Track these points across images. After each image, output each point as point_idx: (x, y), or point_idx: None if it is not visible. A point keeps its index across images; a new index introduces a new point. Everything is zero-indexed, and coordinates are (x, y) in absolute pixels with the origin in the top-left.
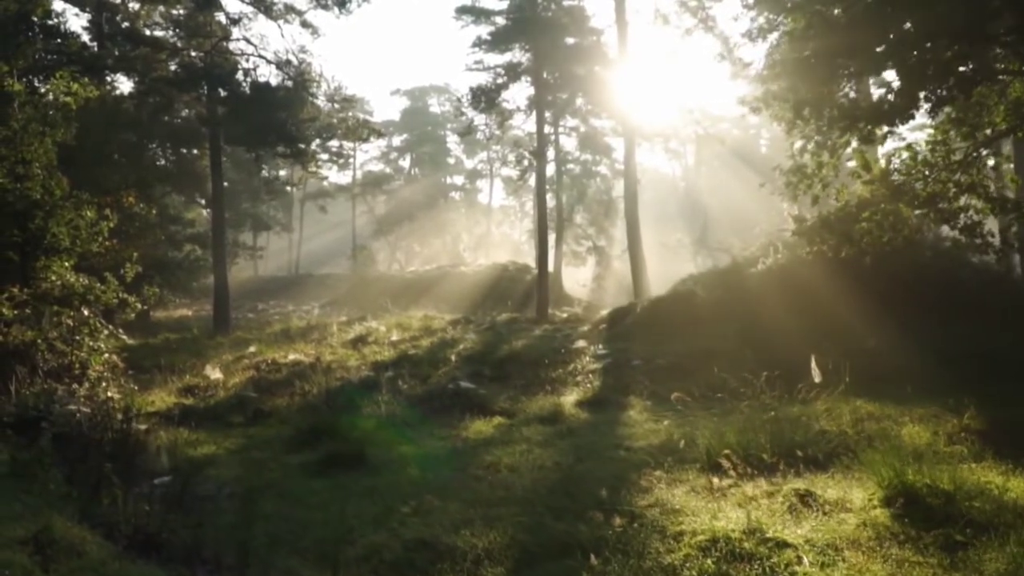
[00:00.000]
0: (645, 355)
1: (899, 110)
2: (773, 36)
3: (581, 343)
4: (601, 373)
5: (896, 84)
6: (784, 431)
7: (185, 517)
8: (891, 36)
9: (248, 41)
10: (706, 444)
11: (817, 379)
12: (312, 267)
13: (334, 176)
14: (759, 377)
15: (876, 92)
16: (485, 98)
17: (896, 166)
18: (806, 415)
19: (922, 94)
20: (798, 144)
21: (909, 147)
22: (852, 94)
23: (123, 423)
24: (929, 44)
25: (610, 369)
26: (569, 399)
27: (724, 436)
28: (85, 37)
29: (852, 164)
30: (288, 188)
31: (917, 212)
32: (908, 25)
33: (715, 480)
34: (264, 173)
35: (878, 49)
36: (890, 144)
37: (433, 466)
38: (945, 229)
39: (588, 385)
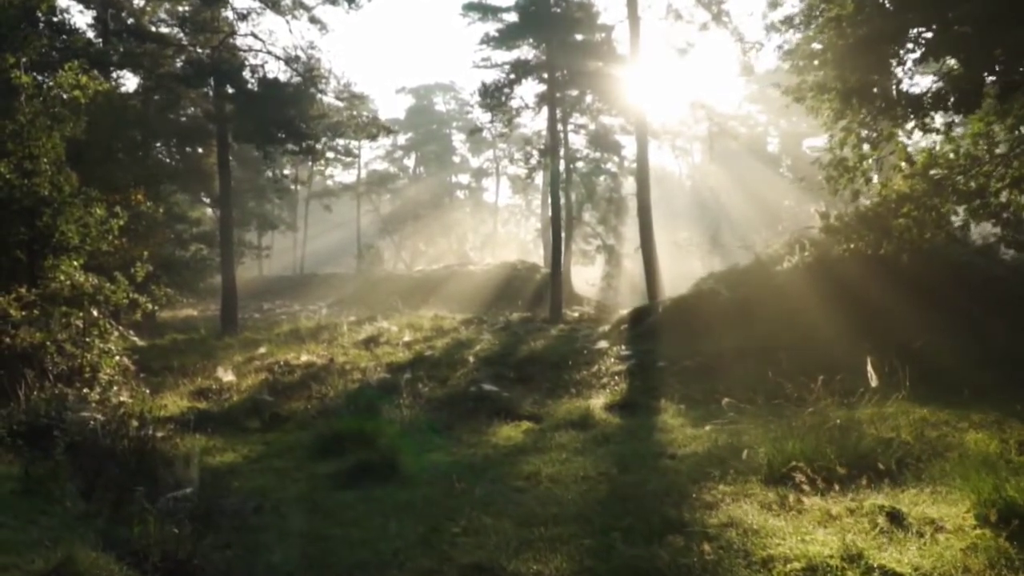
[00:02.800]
0: (671, 356)
1: (965, 97)
2: (811, 25)
3: (603, 344)
4: (627, 375)
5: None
6: (848, 439)
7: (214, 536)
8: (950, 18)
9: (256, 37)
10: (767, 453)
11: (874, 383)
12: (316, 267)
13: (339, 175)
14: (797, 380)
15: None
16: (497, 94)
17: (937, 159)
18: (857, 421)
19: (989, 79)
20: (838, 136)
21: (951, 139)
22: (904, 82)
23: (139, 430)
24: (994, 26)
25: (636, 371)
26: (597, 402)
27: (786, 445)
28: (90, 34)
29: (893, 157)
30: (293, 187)
31: (959, 208)
32: (969, 6)
33: (790, 495)
34: (268, 173)
35: (934, 33)
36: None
37: (468, 476)
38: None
39: (615, 387)
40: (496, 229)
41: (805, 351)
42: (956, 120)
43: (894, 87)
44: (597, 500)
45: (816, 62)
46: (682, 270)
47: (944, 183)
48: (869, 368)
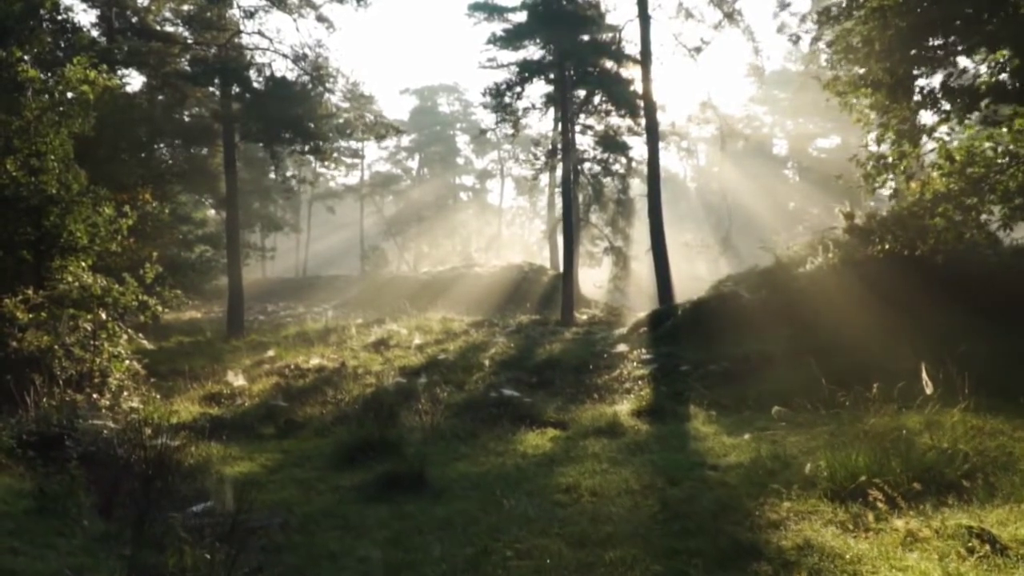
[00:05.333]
0: (693, 360)
1: None
2: (852, 16)
3: (622, 347)
4: (650, 379)
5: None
6: (912, 450)
7: (242, 558)
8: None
9: (263, 35)
10: (829, 466)
11: (929, 390)
12: (318, 269)
13: (342, 176)
14: (832, 386)
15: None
16: (507, 93)
17: (975, 157)
18: (906, 430)
19: None
20: (875, 133)
21: (990, 136)
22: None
23: (152, 439)
24: None
25: (659, 375)
26: (623, 408)
27: (848, 457)
28: (94, 33)
29: (931, 156)
30: (296, 187)
31: (995, 208)
32: None
33: (865, 513)
34: (271, 175)
35: (991, 21)
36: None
37: (503, 489)
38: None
39: (640, 393)
40: (500, 231)
41: (836, 356)
42: (1015, 111)
43: (943, 79)
44: (650, 517)
45: (857, 55)
46: (688, 272)
47: (982, 182)
48: (924, 375)
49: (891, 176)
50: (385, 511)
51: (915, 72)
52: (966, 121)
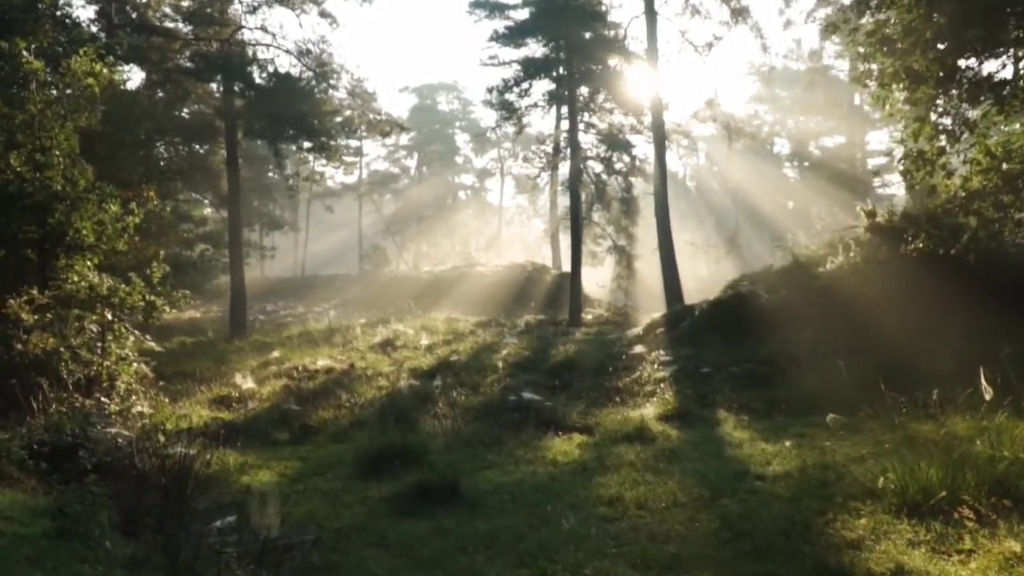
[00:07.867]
0: (715, 362)
1: None
2: (893, 6)
3: (639, 348)
4: (672, 382)
5: None
6: (981, 461)
7: None
8: None
9: (266, 30)
10: (898, 479)
11: (988, 396)
12: (316, 268)
13: (340, 175)
14: (866, 390)
15: None
16: (514, 91)
17: (1012, 153)
18: (955, 437)
19: None
20: (911, 128)
21: None
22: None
23: (165, 448)
24: None
25: (680, 377)
26: (648, 412)
27: (918, 469)
28: (94, 28)
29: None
30: (292, 184)
31: None
32: None
33: (952, 531)
34: (271, 173)
35: None
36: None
37: (542, 501)
38: None
39: (663, 396)
40: (500, 230)
41: (864, 357)
42: None
43: (995, 69)
44: (712, 535)
45: (893, 47)
46: (690, 272)
47: (1018, 179)
48: (982, 380)
49: (931, 171)
50: (423, 527)
51: (959, 64)
52: (1013, 115)
